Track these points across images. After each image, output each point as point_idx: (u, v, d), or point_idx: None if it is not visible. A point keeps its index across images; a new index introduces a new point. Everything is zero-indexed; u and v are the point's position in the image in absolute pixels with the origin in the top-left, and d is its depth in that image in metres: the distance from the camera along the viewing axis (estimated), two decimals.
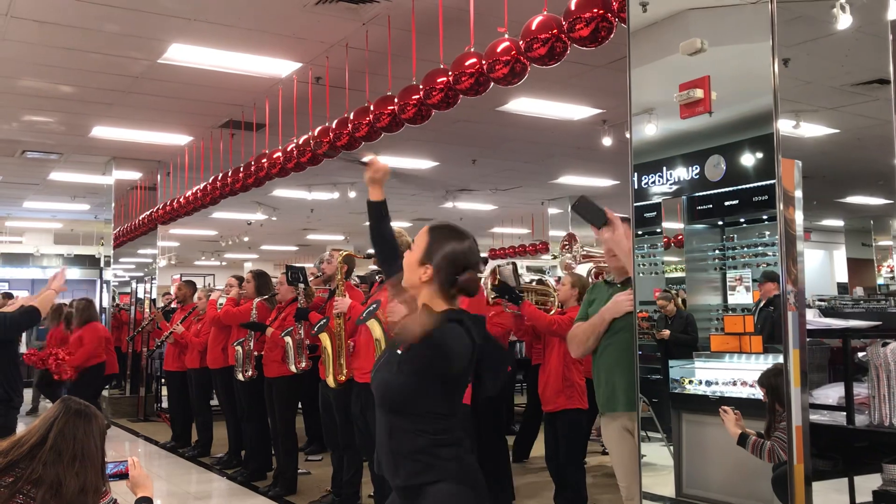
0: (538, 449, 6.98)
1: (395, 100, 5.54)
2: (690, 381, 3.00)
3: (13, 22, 6.10)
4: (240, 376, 6.28)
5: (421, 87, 5.27)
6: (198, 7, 5.83)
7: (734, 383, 2.86)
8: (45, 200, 14.65)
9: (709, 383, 2.94)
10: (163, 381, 9.32)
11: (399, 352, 2.17)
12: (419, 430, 2.14)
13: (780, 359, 2.62)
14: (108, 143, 10.14)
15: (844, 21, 4.84)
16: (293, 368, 5.73)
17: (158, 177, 11.81)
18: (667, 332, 3.08)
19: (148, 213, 11.16)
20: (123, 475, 2.69)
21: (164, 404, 9.39)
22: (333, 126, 6.36)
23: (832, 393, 3.28)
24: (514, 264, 5.02)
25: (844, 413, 3.11)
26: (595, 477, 6.13)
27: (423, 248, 2.25)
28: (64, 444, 2.31)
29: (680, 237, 3.07)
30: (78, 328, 7.50)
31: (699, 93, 2.86)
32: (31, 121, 9.21)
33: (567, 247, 5.15)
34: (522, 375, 8.52)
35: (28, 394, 9.67)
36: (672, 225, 3.09)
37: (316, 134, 6.63)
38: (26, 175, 12.39)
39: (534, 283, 5.85)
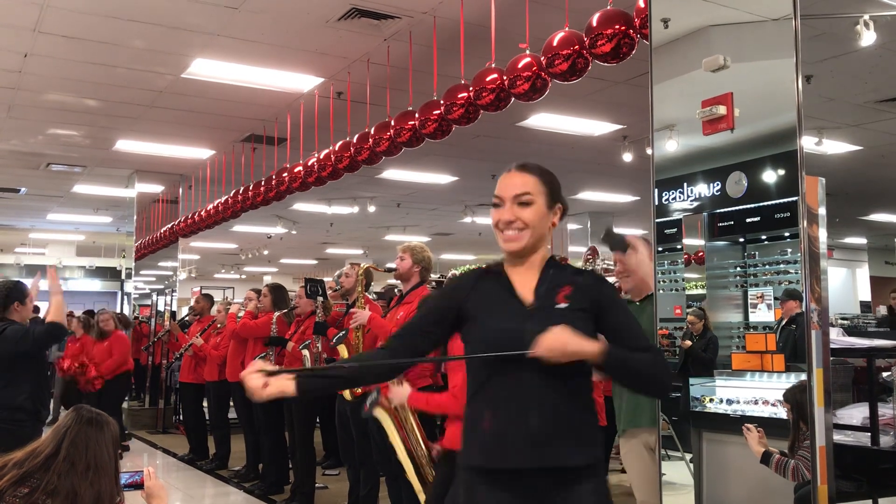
0: None
1: (416, 115, 5.56)
2: (711, 400, 2.96)
3: (41, 37, 6.20)
4: None
5: (442, 102, 5.28)
6: (222, 23, 5.90)
7: (755, 402, 2.82)
8: (68, 213, 14.84)
9: (730, 402, 2.90)
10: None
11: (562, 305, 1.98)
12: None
13: (803, 377, 2.58)
14: (132, 156, 10.25)
15: (868, 38, 4.82)
16: None
17: (180, 190, 11.91)
18: (688, 342, 3.05)
19: (169, 226, 11.25)
20: (139, 485, 2.69)
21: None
22: (354, 141, 6.39)
23: (856, 413, 3.24)
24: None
25: (869, 434, 3.06)
26: (613, 496, 6.06)
27: (545, 190, 2.07)
28: (77, 454, 2.31)
29: (701, 254, 3.05)
30: (105, 338, 7.63)
31: (722, 109, 2.84)
32: (57, 134, 9.33)
33: (590, 260, 5.14)
34: None
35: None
36: (693, 241, 3.07)
37: (337, 148, 6.67)
38: (50, 187, 12.55)
39: None
